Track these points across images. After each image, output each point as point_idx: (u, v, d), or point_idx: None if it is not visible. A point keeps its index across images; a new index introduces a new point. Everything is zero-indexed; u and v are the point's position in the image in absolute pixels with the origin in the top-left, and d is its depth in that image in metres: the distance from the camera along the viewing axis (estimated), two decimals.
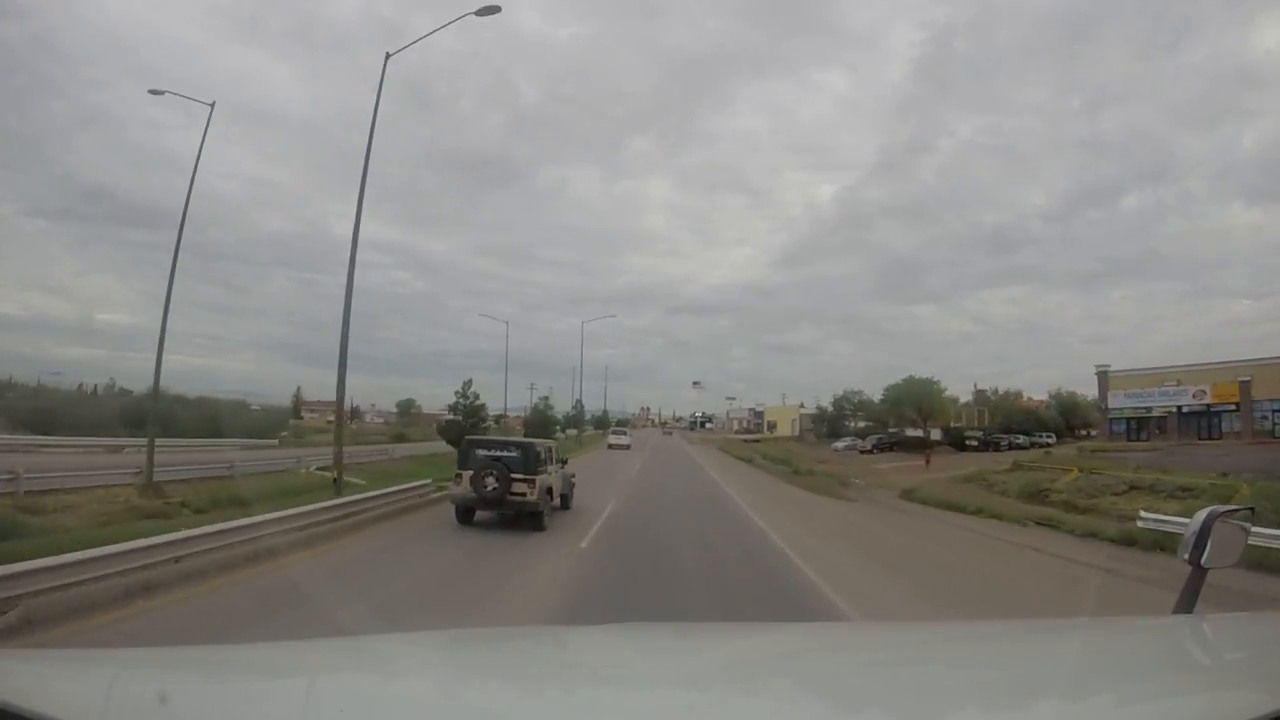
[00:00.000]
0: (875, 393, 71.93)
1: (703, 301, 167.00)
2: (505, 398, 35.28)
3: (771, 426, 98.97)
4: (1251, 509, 1.82)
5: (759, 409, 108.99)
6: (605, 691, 1.45)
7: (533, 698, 1.41)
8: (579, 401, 50.80)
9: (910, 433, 61.24)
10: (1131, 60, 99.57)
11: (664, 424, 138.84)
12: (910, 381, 56.98)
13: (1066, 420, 64.95)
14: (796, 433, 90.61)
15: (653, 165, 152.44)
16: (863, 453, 52.63)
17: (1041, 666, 1.56)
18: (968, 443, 56.67)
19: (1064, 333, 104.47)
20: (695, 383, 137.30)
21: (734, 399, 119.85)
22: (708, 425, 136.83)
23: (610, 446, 42.25)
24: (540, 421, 34.16)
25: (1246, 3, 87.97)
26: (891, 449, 54.00)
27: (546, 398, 34.74)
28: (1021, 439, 57.22)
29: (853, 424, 71.25)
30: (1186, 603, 1.62)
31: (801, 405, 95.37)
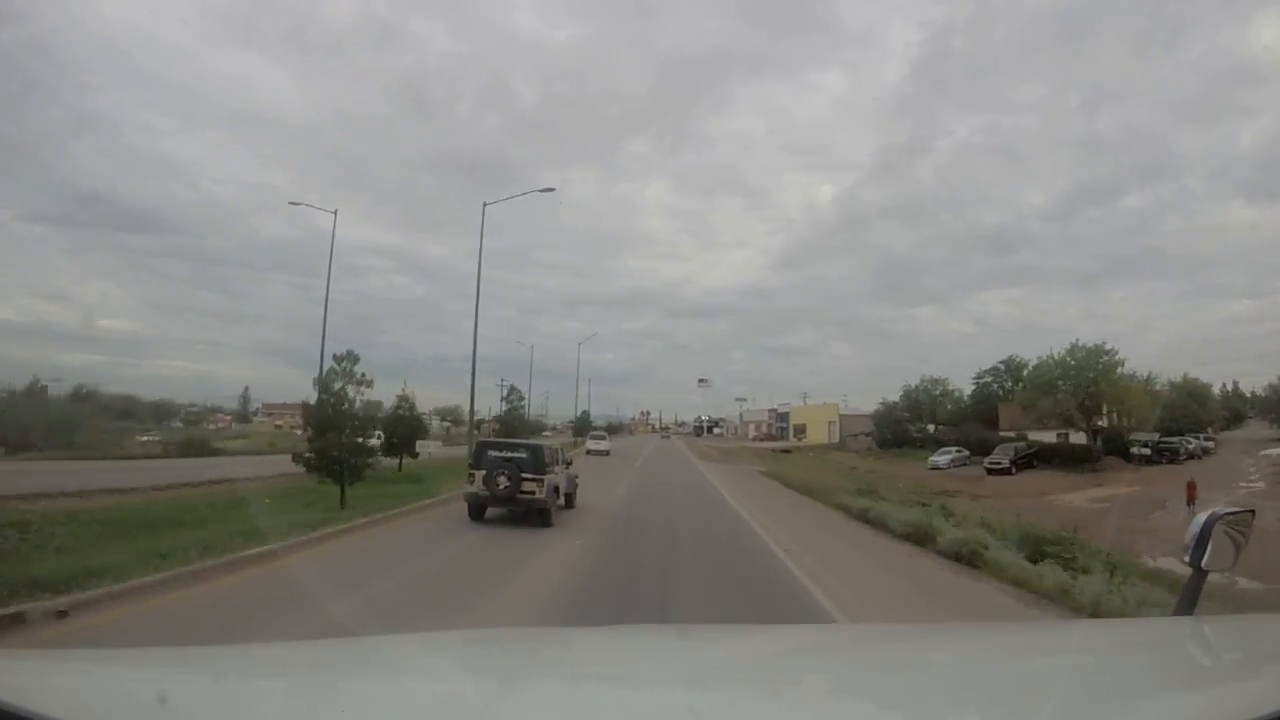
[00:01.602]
0: (962, 383, 60.55)
1: (702, 304, 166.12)
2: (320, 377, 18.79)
3: (800, 431, 75.06)
4: (1252, 511, 1.81)
5: (782, 409, 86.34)
6: (606, 692, 1.49)
7: (533, 698, 1.44)
8: (509, 389, 28.83)
9: (1033, 435, 44.83)
10: (1128, 58, 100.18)
11: (664, 428, 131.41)
12: (1074, 356, 32.01)
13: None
14: (836, 439, 75.28)
15: (650, 167, 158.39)
16: (992, 472, 26.98)
17: (1041, 667, 1.60)
18: (1133, 451, 39.14)
19: (1064, 332, 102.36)
20: (701, 380, 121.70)
21: (744, 400, 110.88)
22: (716, 430, 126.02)
23: (589, 452, 39.62)
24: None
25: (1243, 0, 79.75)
26: (1031, 464, 27.56)
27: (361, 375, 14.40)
28: (1193, 443, 41.60)
29: (932, 426, 47.54)
30: (1186, 604, 1.69)
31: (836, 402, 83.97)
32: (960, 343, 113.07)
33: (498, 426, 33.04)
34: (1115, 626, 2.25)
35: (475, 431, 26.65)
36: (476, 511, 12.69)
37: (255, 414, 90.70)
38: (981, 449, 43.67)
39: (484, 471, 12.37)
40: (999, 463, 36.88)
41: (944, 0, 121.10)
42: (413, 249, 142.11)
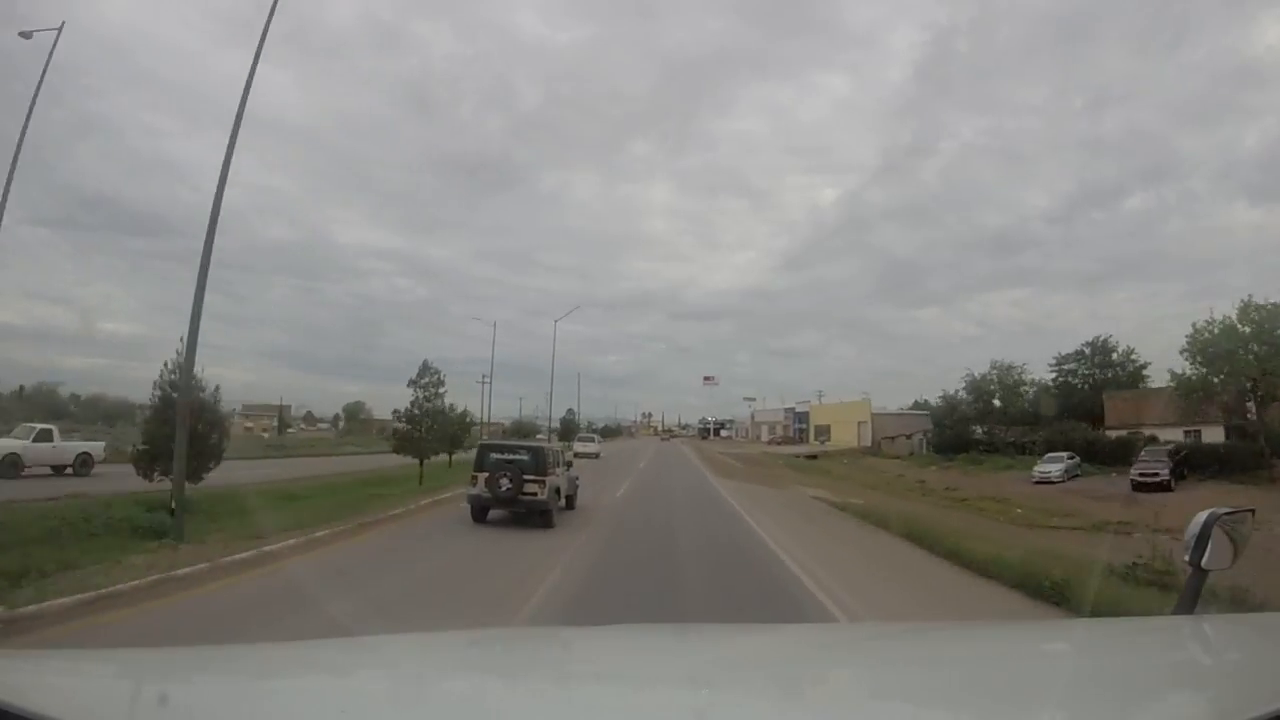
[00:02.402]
0: (1038, 369, 46.60)
1: (705, 306, 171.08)
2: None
3: (822, 433, 63.85)
4: (1251, 511, 1.89)
5: (800, 408, 75.36)
6: (609, 692, 1.49)
7: (534, 698, 1.45)
8: (420, 369, 15.30)
9: (1152, 433, 34.78)
10: (1132, 59, 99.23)
11: (668, 430, 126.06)
12: (1247, 320, 17.51)
13: None
14: (867, 441, 64.25)
15: (653, 168, 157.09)
16: (1142, 486, 11.68)
17: (1041, 666, 1.62)
18: None
19: (1068, 334, 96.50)
20: (707, 378, 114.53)
21: (753, 399, 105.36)
22: (723, 432, 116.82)
23: (576, 454, 34.68)
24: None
25: (1247, 1, 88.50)
26: (1182, 473, 28.95)
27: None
28: None
29: (994, 428, 35.50)
30: (1186, 604, 1.74)
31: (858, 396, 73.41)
32: (964, 344, 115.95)
33: (401, 428, 21.34)
34: (1115, 626, 2.22)
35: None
36: (479, 513, 13.63)
37: (233, 415, 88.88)
38: (1087, 453, 33.12)
39: (486, 474, 13.25)
40: (1154, 474, 26.38)
41: (948, 1, 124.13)
42: (415, 251, 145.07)
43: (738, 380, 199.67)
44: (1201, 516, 1.68)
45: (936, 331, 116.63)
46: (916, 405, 76.49)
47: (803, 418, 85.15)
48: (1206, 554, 1.65)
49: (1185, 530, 1.71)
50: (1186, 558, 1.69)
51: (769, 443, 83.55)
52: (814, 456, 56.38)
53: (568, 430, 61.73)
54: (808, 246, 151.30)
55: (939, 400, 51.55)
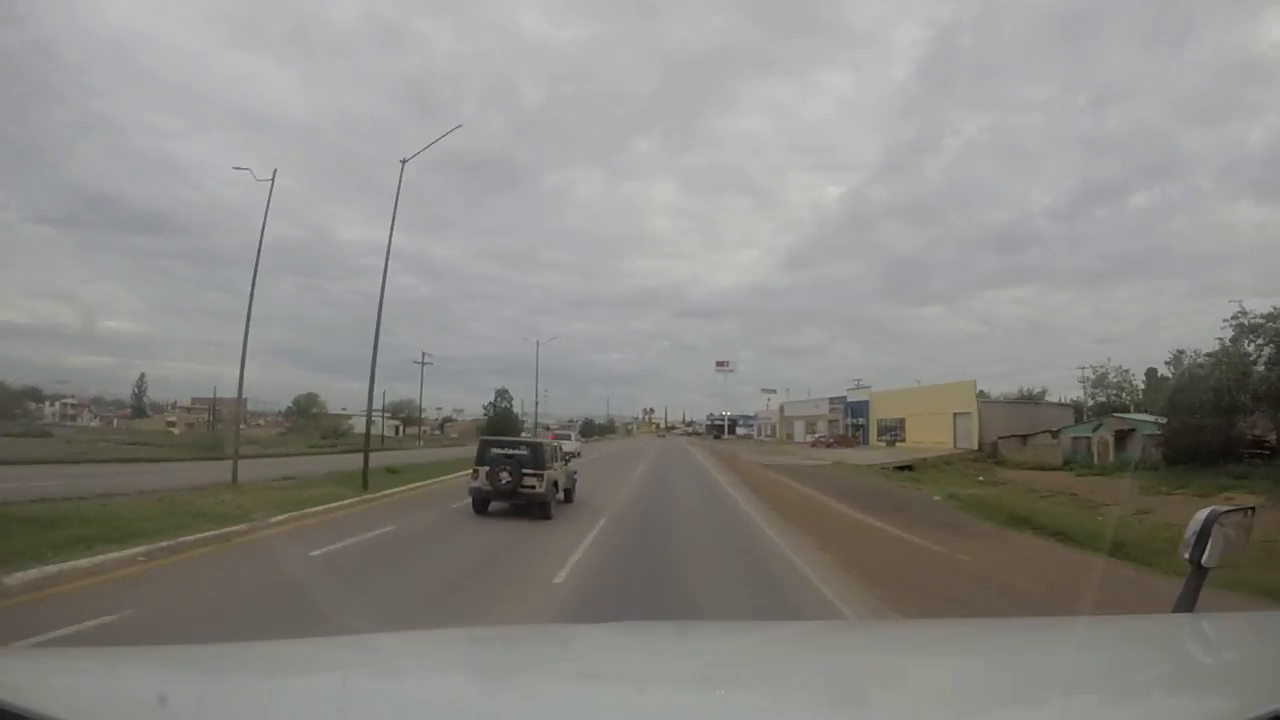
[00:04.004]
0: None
1: (709, 304, 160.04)
2: None
3: (890, 430, 37.53)
4: (1252, 508, 1.90)
5: (853, 397, 51.32)
6: (607, 690, 1.51)
7: (534, 697, 1.47)
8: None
9: None
10: (1137, 56, 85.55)
11: (670, 428, 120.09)
12: None
13: None
14: (970, 442, 45.13)
15: (656, 167, 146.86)
16: None
17: (1041, 665, 1.62)
18: None
19: (1071, 332, 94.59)
20: (720, 363, 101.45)
21: (773, 391, 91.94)
22: (739, 429, 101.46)
23: None
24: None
25: None
26: None
27: None
28: None
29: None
30: (1186, 602, 1.73)
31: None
32: (967, 342, 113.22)
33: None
34: (1116, 624, 2.17)
35: None
36: (480, 505, 14.40)
37: (173, 407, 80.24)
38: None
39: (487, 467, 14.09)
40: None
41: None
42: (418, 249, 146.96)
43: (742, 378, 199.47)
44: (1201, 514, 1.67)
45: (940, 329, 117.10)
46: (980, 395, 57.47)
47: (860, 409, 63.72)
48: (1206, 552, 1.64)
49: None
50: (1186, 555, 1.69)
51: (813, 444, 61.48)
52: (908, 467, 35.79)
53: (502, 424, 43.95)
54: (811, 245, 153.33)
55: (1197, 361, 27.93)
